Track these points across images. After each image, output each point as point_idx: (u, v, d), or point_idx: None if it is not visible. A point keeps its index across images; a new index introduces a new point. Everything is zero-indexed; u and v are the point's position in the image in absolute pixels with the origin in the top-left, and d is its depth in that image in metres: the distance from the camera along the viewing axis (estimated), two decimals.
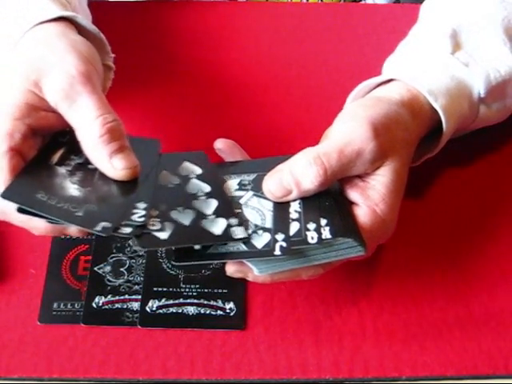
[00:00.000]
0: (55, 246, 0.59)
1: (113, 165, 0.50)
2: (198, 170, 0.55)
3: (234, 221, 0.50)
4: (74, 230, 0.49)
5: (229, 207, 0.52)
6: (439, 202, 0.64)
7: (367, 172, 0.52)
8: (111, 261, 0.59)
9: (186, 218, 0.50)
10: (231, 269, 0.50)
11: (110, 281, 0.57)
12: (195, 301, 0.57)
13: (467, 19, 0.62)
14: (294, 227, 0.49)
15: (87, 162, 0.51)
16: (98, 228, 0.46)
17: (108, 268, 0.58)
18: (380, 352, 0.55)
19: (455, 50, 0.61)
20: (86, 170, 0.51)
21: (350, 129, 0.52)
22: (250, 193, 0.53)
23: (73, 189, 0.49)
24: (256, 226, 0.50)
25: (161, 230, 0.48)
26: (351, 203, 0.52)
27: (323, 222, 0.49)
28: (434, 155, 0.60)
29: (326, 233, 0.49)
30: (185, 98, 0.72)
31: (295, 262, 0.49)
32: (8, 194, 0.47)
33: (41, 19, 0.54)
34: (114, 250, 0.59)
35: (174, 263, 0.48)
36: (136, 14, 0.79)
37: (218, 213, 0.51)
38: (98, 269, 0.58)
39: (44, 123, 0.51)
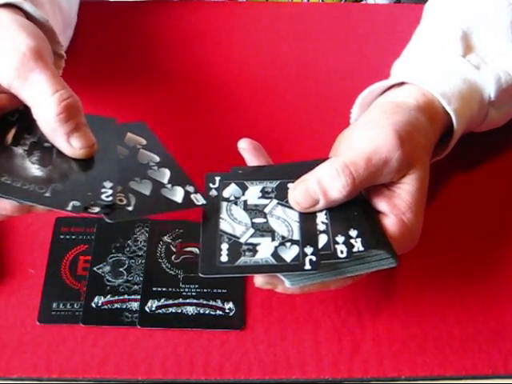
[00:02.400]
0: (54, 246, 0.59)
1: (71, 144, 0.49)
2: (143, 141, 0.54)
3: (190, 188, 0.50)
4: (40, 209, 0.49)
5: (182, 175, 0.51)
6: (439, 203, 0.64)
7: (393, 181, 0.52)
8: (110, 261, 0.59)
9: (145, 189, 0.50)
10: (261, 280, 0.50)
11: (109, 281, 0.57)
12: (194, 301, 0.57)
13: (476, 21, 0.62)
14: (323, 240, 0.49)
15: (42, 139, 0.50)
16: (69, 208, 0.46)
17: (107, 268, 0.58)
18: (379, 352, 0.55)
19: (466, 52, 0.61)
20: (42, 148, 0.50)
21: (376, 137, 0.52)
22: (274, 201, 0.52)
23: (34, 169, 0.49)
24: (283, 237, 0.49)
25: (126, 204, 0.48)
26: (378, 212, 0.52)
27: (353, 233, 0.49)
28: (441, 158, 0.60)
29: (359, 245, 0.48)
30: (184, 97, 0.72)
31: (328, 274, 0.49)
32: None
33: None
34: (114, 250, 0.59)
35: (200, 275, 0.47)
36: (135, 14, 0.79)
37: (174, 181, 0.51)
38: (98, 269, 0.58)
39: None
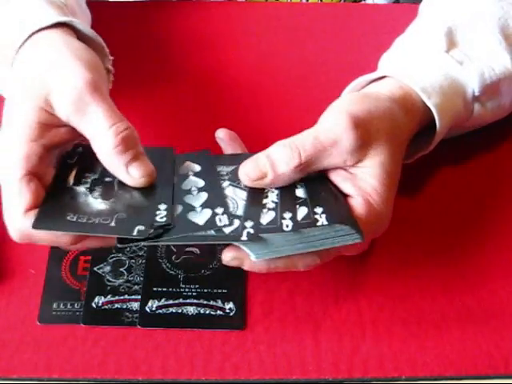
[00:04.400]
0: (55, 246, 0.59)
1: (130, 174, 0.50)
2: (197, 168, 0.55)
3: (219, 210, 0.51)
4: (94, 242, 0.50)
5: (218, 198, 0.52)
6: (439, 201, 0.64)
7: (348, 163, 0.52)
8: (111, 261, 0.59)
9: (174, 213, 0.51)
10: (228, 255, 0.50)
11: (109, 281, 0.57)
12: (195, 301, 0.57)
13: (463, 18, 0.63)
14: (269, 216, 0.50)
15: (102, 175, 0.52)
16: (135, 233, 0.48)
17: (108, 268, 0.58)
18: (379, 352, 0.55)
19: (450, 48, 0.61)
20: (104, 183, 0.52)
21: (328, 119, 0.53)
22: (227, 182, 0.54)
23: (97, 203, 0.50)
24: (225, 212, 0.51)
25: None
26: (345, 196, 0.52)
27: (319, 210, 0.50)
28: (428, 153, 0.60)
29: (323, 219, 0.49)
30: (184, 98, 0.72)
31: (293, 247, 0.49)
32: (39, 225, 0.48)
33: (38, 26, 0.54)
34: (114, 250, 0.59)
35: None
36: (135, 14, 0.80)
37: (206, 204, 0.52)
38: (98, 269, 0.58)
39: (58, 139, 0.52)
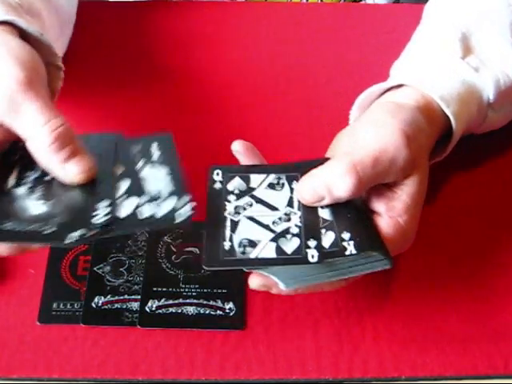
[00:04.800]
0: (55, 247, 0.59)
1: (67, 171, 0.49)
2: (155, 155, 0.53)
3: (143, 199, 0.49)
4: (35, 246, 0.49)
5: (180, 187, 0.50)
6: (439, 203, 0.64)
7: (396, 181, 0.52)
8: (111, 261, 0.59)
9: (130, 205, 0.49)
10: (255, 282, 0.49)
11: (109, 281, 0.57)
12: (195, 301, 0.57)
13: (476, 23, 0.62)
14: (293, 244, 0.49)
15: (44, 174, 0.50)
16: (69, 240, 0.46)
17: (107, 268, 0.58)
18: (379, 352, 0.55)
19: (465, 54, 0.60)
20: (44, 182, 0.50)
21: (383, 136, 0.51)
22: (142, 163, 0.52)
23: (38, 206, 0.49)
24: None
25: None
26: (373, 212, 0.52)
27: (347, 235, 0.49)
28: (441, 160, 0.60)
29: (351, 248, 0.48)
30: (184, 97, 0.72)
31: (323, 276, 0.49)
32: None
33: None
34: (114, 250, 0.59)
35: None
36: (135, 14, 0.79)
37: (170, 193, 0.50)
38: (98, 269, 0.58)
39: None
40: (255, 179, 0.53)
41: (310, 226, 0.50)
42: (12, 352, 0.54)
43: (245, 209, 0.51)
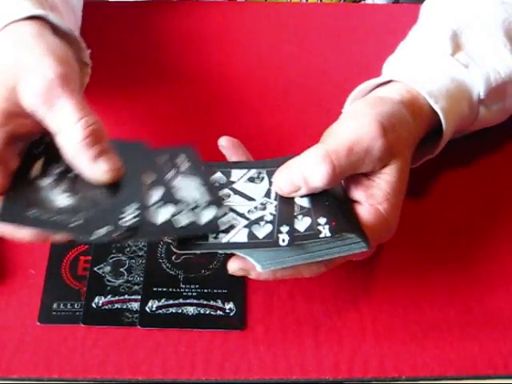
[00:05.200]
0: (55, 246, 0.59)
1: (96, 168, 0.49)
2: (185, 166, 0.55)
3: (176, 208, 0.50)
4: (58, 238, 0.49)
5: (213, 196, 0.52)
6: (439, 203, 0.64)
7: (374, 170, 0.52)
8: (111, 261, 0.59)
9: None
10: (234, 266, 0.50)
11: (109, 281, 0.57)
12: (195, 301, 0.57)
13: (467, 20, 0.62)
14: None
15: (69, 168, 0.51)
16: (96, 236, 0.47)
17: (108, 268, 0.58)
18: (380, 352, 0.55)
19: (455, 51, 0.61)
20: (69, 177, 0.51)
21: (359, 126, 0.52)
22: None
23: (62, 199, 0.49)
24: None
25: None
26: (353, 201, 0.52)
27: (322, 220, 0.49)
28: (433, 157, 0.60)
29: (326, 231, 0.49)
30: (184, 97, 0.72)
31: (299, 257, 0.49)
32: (1, 217, 0.48)
33: (13, 18, 0.53)
34: (114, 251, 0.59)
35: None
36: (135, 14, 0.79)
37: (207, 203, 0.51)
38: (98, 269, 0.58)
39: (22, 130, 0.51)
40: (236, 174, 0.55)
41: (285, 214, 0.51)
42: (12, 352, 0.54)
43: (223, 199, 0.52)
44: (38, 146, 0.52)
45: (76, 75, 0.53)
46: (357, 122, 0.53)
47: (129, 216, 0.48)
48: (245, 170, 0.55)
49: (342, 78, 0.74)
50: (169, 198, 0.51)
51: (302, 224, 0.50)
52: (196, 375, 0.53)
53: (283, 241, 0.48)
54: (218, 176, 0.54)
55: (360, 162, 0.51)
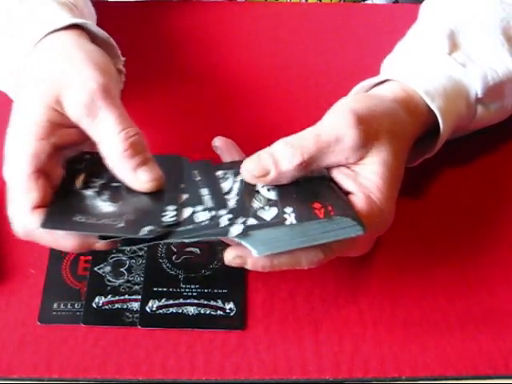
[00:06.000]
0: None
1: (138, 178, 0.51)
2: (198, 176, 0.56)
3: (199, 207, 0.52)
4: (100, 245, 0.51)
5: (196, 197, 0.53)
6: (439, 202, 0.64)
7: (351, 161, 0.52)
8: (111, 261, 0.59)
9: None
10: (229, 255, 0.50)
11: (109, 281, 0.57)
12: (195, 301, 0.57)
13: (465, 19, 0.63)
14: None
15: (110, 181, 0.52)
16: (142, 233, 0.48)
17: (108, 268, 0.58)
18: (380, 352, 0.55)
19: (452, 50, 0.61)
20: (111, 187, 0.52)
21: (330, 117, 0.53)
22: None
23: (106, 206, 0.51)
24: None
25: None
26: (347, 194, 0.52)
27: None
28: (432, 156, 0.60)
29: (292, 218, 0.49)
30: (184, 98, 0.72)
31: (293, 241, 0.49)
32: (47, 224, 0.49)
33: (52, 28, 0.54)
34: (114, 250, 0.59)
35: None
36: (135, 14, 0.79)
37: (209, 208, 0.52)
38: (98, 269, 0.58)
39: (67, 140, 0.52)
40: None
41: (286, 197, 0.51)
42: (12, 352, 0.54)
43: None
44: (80, 163, 0.54)
45: (116, 84, 0.54)
46: (330, 114, 0.54)
47: (169, 214, 0.50)
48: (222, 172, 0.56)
49: (341, 77, 0.74)
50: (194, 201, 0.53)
51: (268, 213, 0.50)
52: (196, 375, 0.53)
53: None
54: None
55: (330, 149, 0.51)
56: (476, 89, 0.60)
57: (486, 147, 0.68)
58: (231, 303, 0.57)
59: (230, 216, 0.50)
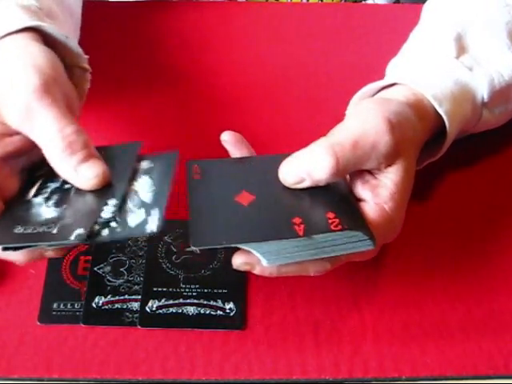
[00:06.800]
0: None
1: (81, 176, 0.49)
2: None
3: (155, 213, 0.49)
4: (50, 253, 0.50)
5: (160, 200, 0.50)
6: (440, 205, 0.64)
7: (379, 168, 0.52)
8: (111, 261, 0.59)
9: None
10: (238, 260, 0.50)
11: (109, 281, 0.57)
12: (195, 301, 0.57)
13: (471, 23, 0.62)
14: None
15: (63, 184, 0.51)
16: (72, 237, 0.46)
17: (108, 268, 0.58)
18: (380, 352, 0.55)
19: (460, 53, 0.61)
20: (62, 190, 0.51)
21: (365, 121, 0.52)
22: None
23: (49, 212, 0.49)
24: None
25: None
26: (359, 200, 0.52)
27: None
28: (436, 159, 0.60)
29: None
30: (184, 98, 0.72)
31: (305, 253, 0.49)
32: None
33: (6, 31, 0.53)
34: (114, 250, 0.59)
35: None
36: (135, 14, 0.79)
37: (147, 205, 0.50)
38: (98, 269, 0.58)
39: (13, 149, 0.51)
40: None
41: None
42: (12, 352, 0.54)
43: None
44: (41, 169, 0.53)
45: (60, 85, 0.52)
46: (363, 118, 0.52)
47: (108, 211, 0.48)
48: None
49: (342, 78, 0.74)
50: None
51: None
52: (196, 375, 0.53)
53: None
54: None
55: (365, 157, 0.51)
56: (482, 93, 0.59)
57: (487, 149, 0.68)
58: (231, 303, 0.57)
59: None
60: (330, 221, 0.49)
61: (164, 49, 0.76)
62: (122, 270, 0.58)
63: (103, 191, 0.50)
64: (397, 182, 0.52)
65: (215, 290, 0.57)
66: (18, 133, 0.51)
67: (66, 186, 0.51)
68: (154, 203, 0.49)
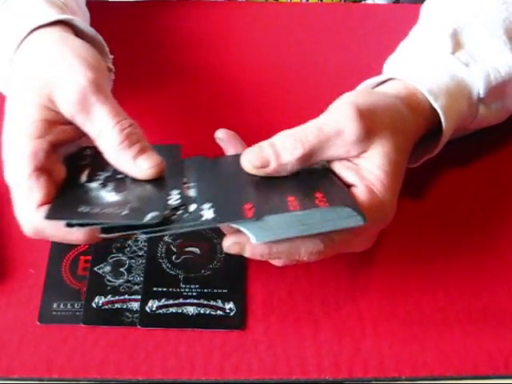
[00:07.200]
0: (55, 246, 0.59)
1: (138, 166, 0.51)
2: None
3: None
4: (110, 235, 0.50)
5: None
6: (439, 202, 0.64)
7: (352, 154, 0.52)
8: (111, 261, 0.59)
9: None
10: (228, 242, 0.50)
11: (109, 281, 0.57)
12: (195, 301, 0.57)
13: (468, 19, 0.63)
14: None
15: (115, 173, 0.52)
16: (147, 218, 0.48)
17: (108, 268, 0.58)
18: (380, 352, 0.55)
19: (456, 49, 0.61)
20: (116, 179, 0.52)
21: (332, 110, 0.53)
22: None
23: (110, 196, 0.51)
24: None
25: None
26: (348, 186, 0.52)
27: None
28: (433, 156, 0.60)
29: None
30: (184, 98, 0.72)
31: (293, 230, 0.49)
32: (52, 215, 0.49)
33: (37, 24, 0.54)
34: (114, 250, 0.59)
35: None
36: (135, 14, 0.80)
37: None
38: (98, 269, 0.58)
39: (63, 137, 0.52)
40: None
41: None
42: (12, 352, 0.54)
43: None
44: (83, 158, 0.54)
45: (107, 79, 0.54)
46: (332, 107, 0.54)
47: (174, 198, 0.50)
48: None
49: (342, 77, 0.74)
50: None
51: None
52: (196, 375, 0.53)
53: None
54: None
55: (331, 143, 0.51)
56: (478, 88, 0.60)
57: (486, 147, 0.68)
58: (231, 303, 0.57)
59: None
60: (318, 200, 0.49)
61: (164, 48, 0.76)
62: (121, 269, 0.58)
63: (159, 183, 0.52)
64: (380, 165, 0.52)
65: (215, 290, 0.57)
66: (70, 122, 0.52)
67: (119, 176, 0.52)
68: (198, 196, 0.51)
